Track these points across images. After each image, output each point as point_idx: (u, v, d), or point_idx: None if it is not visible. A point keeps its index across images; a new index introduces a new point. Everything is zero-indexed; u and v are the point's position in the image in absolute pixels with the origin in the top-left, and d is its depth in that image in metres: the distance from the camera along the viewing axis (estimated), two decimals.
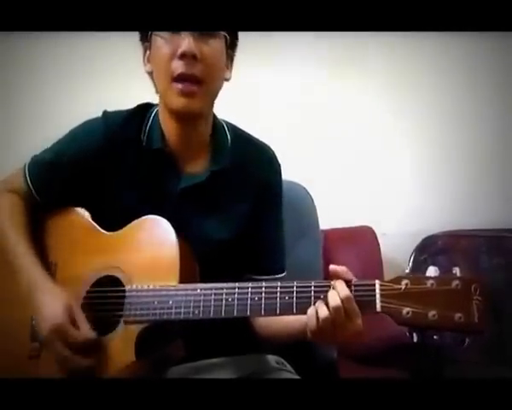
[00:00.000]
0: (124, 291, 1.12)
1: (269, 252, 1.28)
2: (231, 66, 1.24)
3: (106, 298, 1.14)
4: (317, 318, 0.99)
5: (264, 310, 1.03)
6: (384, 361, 1.78)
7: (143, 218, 1.17)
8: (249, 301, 1.03)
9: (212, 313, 1.05)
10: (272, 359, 1.30)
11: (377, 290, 0.98)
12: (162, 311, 1.07)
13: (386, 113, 2.38)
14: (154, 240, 1.15)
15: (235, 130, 1.31)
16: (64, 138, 1.28)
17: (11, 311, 1.20)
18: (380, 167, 2.38)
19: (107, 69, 2.32)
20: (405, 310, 0.95)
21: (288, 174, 1.37)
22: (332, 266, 1.01)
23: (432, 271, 0.96)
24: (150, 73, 1.22)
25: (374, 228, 2.23)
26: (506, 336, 1.71)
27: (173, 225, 1.13)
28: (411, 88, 2.36)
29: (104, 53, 2.28)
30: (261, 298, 1.03)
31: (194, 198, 1.22)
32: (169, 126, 1.23)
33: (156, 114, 1.26)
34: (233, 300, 1.04)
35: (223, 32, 1.17)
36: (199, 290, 1.06)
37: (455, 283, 0.95)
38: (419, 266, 1.96)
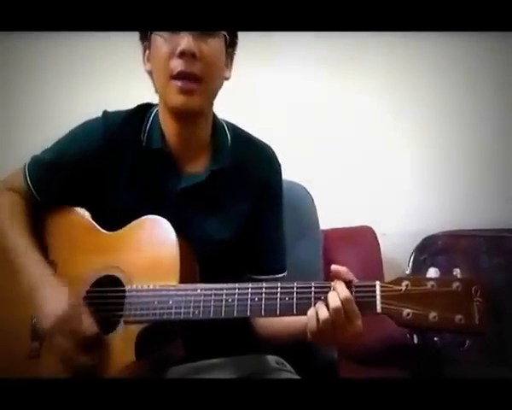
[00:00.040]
0: (124, 291, 1.12)
1: (269, 252, 1.28)
2: (231, 64, 1.24)
3: (106, 298, 1.14)
4: (317, 319, 0.99)
5: (265, 311, 1.03)
6: (384, 362, 1.78)
7: (144, 218, 1.17)
8: (249, 302, 1.03)
9: (212, 314, 1.05)
10: (272, 359, 1.30)
11: (377, 292, 0.98)
12: (162, 311, 1.07)
13: (386, 113, 2.38)
14: (155, 240, 1.15)
15: (235, 129, 1.31)
16: (64, 138, 1.28)
17: (11, 310, 1.20)
18: (380, 167, 2.38)
19: (107, 69, 2.31)
20: (406, 311, 0.95)
21: (287, 174, 1.37)
22: (334, 266, 1.01)
23: (432, 272, 0.96)
24: (150, 73, 1.22)
25: (374, 228, 2.22)
26: (506, 336, 1.71)
27: (173, 225, 1.13)
28: (411, 88, 2.36)
29: (104, 53, 2.28)
30: (261, 299, 1.03)
31: (194, 198, 1.22)
32: (169, 126, 1.23)
33: (156, 114, 1.26)
34: (233, 300, 1.04)
35: (222, 31, 1.17)
36: (199, 291, 1.06)
37: (455, 284, 0.95)
38: (419, 266, 1.96)
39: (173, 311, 1.06)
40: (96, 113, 1.27)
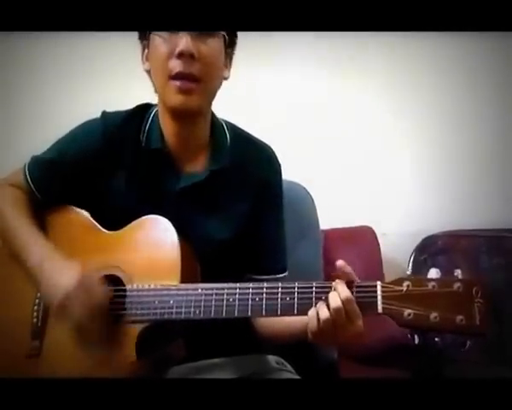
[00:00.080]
0: (125, 290, 1.12)
1: (270, 252, 1.28)
2: (230, 64, 1.24)
3: None
4: (318, 319, 0.99)
5: (265, 311, 1.03)
6: (385, 362, 1.78)
7: (144, 217, 1.17)
8: (250, 302, 1.04)
9: (212, 313, 1.05)
10: (273, 359, 1.30)
11: (378, 292, 0.98)
12: (163, 310, 1.07)
13: (386, 113, 2.38)
14: (155, 240, 1.15)
15: (234, 129, 1.31)
16: (64, 138, 1.28)
17: (11, 310, 1.20)
18: (380, 167, 2.37)
19: (107, 69, 2.31)
20: (407, 312, 0.95)
21: (287, 174, 1.37)
22: (340, 261, 1.01)
23: (433, 273, 0.97)
24: (148, 72, 1.22)
25: (374, 228, 2.22)
26: (506, 336, 1.71)
27: (174, 225, 1.14)
28: (411, 88, 2.36)
29: (104, 53, 2.28)
30: (262, 298, 1.03)
31: (193, 198, 1.22)
32: (168, 126, 1.23)
33: (155, 114, 1.26)
34: (234, 300, 1.04)
35: (221, 32, 1.17)
36: (200, 290, 1.06)
37: (456, 285, 0.95)
38: (419, 266, 1.96)
39: (174, 310, 1.06)
40: (96, 113, 1.27)
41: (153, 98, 1.25)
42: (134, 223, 1.18)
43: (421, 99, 2.35)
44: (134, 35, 1.23)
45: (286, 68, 2.34)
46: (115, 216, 1.20)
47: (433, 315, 0.94)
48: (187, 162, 1.24)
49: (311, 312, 1.00)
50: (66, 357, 1.12)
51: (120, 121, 1.25)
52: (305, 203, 1.60)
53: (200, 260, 1.15)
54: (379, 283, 0.98)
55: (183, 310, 1.06)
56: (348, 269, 1.00)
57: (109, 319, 1.09)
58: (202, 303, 1.05)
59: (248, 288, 1.04)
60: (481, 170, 2.32)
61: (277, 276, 1.26)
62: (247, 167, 1.27)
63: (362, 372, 1.76)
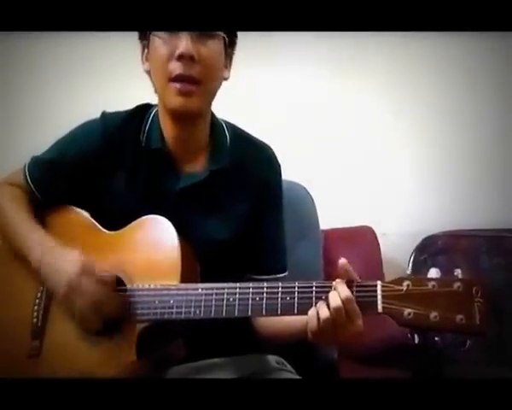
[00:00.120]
0: (125, 290, 1.12)
1: (269, 252, 1.28)
2: (230, 65, 1.24)
3: None
4: (318, 318, 0.99)
5: (266, 310, 1.03)
6: (385, 362, 1.78)
7: (144, 217, 1.17)
8: (250, 301, 1.03)
9: (213, 313, 1.05)
10: (273, 359, 1.30)
11: (379, 291, 0.98)
12: (163, 310, 1.07)
13: (386, 113, 2.38)
14: (156, 240, 1.15)
15: (234, 129, 1.31)
16: (64, 139, 1.28)
17: (11, 310, 1.19)
18: (380, 167, 2.38)
19: (107, 69, 2.32)
20: (407, 311, 0.95)
21: (287, 174, 1.37)
22: (343, 260, 1.01)
23: (433, 272, 0.97)
24: (148, 72, 1.22)
25: (374, 228, 2.22)
26: (506, 336, 1.71)
27: (173, 225, 1.13)
28: (411, 88, 2.36)
29: (104, 53, 2.28)
30: (262, 298, 1.03)
31: (193, 198, 1.22)
32: (168, 126, 1.23)
33: (155, 114, 1.26)
34: (234, 300, 1.04)
35: (221, 33, 1.17)
36: (200, 290, 1.06)
37: (456, 284, 0.95)
38: (419, 266, 1.97)
39: (174, 310, 1.06)
40: (96, 113, 1.27)
41: (153, 98, 1.25)
42: (134, 223, 1.18)
43: (421, 99, 2.36)
44: (134, 35, 1.23)
45: (286, 68, 2.35)
46: (115, 216, 1.20)
47: (433, 315, 0.94)
48: (187, 162, 1.24)
49: (311, 311, 1.00)
50: (67, 357, 1.12)
51: (120, 121, 1.25)
52: (305, 203, 1.60)
53: (200, 260, 1.15)
54: (379, 282, 0.98)
55: (183, 310, 1.06)
56: (350, 268, 1.00)
57: (113, 305, 1.09)
58: (202, 303, 1.05)
59: (248, 287, 1.04)
60: (481, 170, 2.32)
61: (277, 276, 1.26)
62: (247, 168, 1.27)
63: (362, 372, 1.76)
